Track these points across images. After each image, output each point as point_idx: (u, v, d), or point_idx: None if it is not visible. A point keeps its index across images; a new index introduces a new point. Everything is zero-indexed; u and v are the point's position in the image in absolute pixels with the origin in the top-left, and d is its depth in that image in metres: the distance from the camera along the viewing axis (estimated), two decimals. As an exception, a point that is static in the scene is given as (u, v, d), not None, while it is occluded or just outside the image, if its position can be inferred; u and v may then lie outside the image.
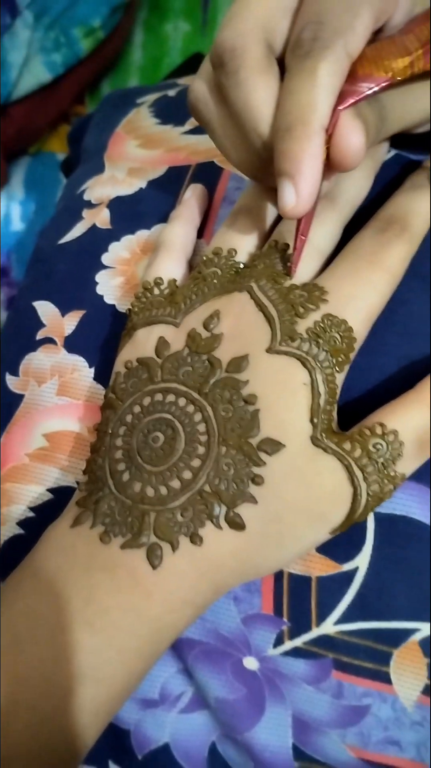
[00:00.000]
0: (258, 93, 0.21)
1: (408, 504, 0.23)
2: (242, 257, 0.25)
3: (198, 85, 0.23)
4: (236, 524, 0.21)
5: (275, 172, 0.21)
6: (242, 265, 0.25)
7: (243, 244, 0.26)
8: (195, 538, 0.21)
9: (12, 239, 0.65)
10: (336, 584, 0.24)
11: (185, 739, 0.26)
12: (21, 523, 0.27)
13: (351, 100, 0.20)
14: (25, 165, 0.69)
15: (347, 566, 0.24)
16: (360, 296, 0.23)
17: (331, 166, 0.21)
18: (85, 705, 0.20)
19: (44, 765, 0.20)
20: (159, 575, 0.21)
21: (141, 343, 0.25)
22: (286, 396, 0.22)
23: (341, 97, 0.20)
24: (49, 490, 0.27)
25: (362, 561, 0.24)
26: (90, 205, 0.33)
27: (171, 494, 0.22)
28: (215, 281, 0.25)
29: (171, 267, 0.27)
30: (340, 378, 0.23)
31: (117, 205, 0.32)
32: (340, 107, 0.20)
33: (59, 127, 0.71)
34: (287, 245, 0.24)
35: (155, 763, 0.26)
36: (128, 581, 0.21)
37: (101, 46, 0.70)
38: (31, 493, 0.28)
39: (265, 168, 0.23)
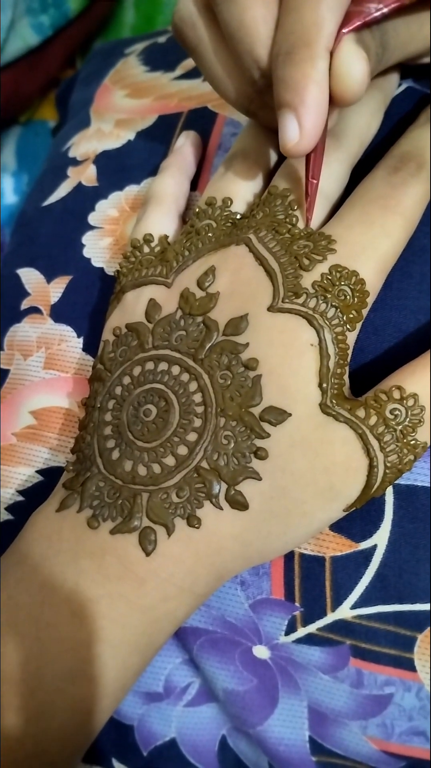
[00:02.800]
0: (255, 10, 0.18)
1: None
2: (238, 207, 0.23)
3: (185, 4, 0.20)
4: (238, 503, 0.19)
5: (274, 105, 0.18)
6: (239, 216, 0.23)
7: (240, 192, 0.23)
8: (192, 520, 0.19)
9: (5, 213, 0.62)
10: (353, 564, 0.22)
11: (193, 734, 0.24)
12: (10, 508, 0.25)
13: (358, 22, 0.18)
14: (16, 135, 0.66)
15: (364, 544, 0.21)
16: (371, 245, 0.20)
17: (329, 99, 0.18)
18: (75, 705, 0.18)
19: None
20: (153, 562, 0.19)
21: (130, 307, 0.23)
22: (291, 359, 0.20)
23: (345, 19, 0.18)
24: (39, 472, 0.25)
25: (380, 538, 0.21)
26: (75, 162, 0.30)
27: (165, 472, 0.19)
28: (209, 235, 0.22)
29: (162, 222, 0.24)
30: (351, 337, 0.20)
31: (104, 160, 0.29)
32: (344, 29, 0.18)
33: (50, 94, 0.68)
34: (289, 190, 0.22)
35: (162, 759, 0.24)
36: (117, 569, 0.19)
37: (91, 5, 0.66)
38: (19, 475, 0.26)
39: (262, 100, 0.20)
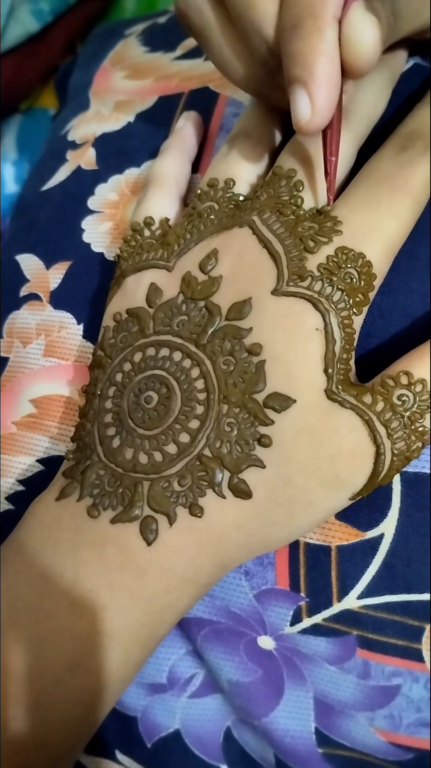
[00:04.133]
0: None
1: (439, 462, 0.20)
2: (241, 188, 0.22)
3: None
4: (242, 492, 0.18)
5: (285, 81, 0.18)
6: (242, 197, 0.22)
7: (243, 173, 0.22)
8: (195, 509, 0.19)
9: (6, 202, 0.62)
10: (359, 554, 0.21)
11: (198, 725, 0.24)
12: (10, 498, 0.25)
13: None
14: (16, 123, 0.65)
15: (371, 533, 0.21)
16: (379, 226, 0.20)
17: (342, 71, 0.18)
18: (75, 696, 0.18)
19: (34, 762, 0.18)
20: (154, 551, 0.19)
21: (131, 292, 0.22)
22: (296, 344, 0.19)
23: None
24: (39, 461, 0.25)
25: (387, 527, 0.21)
26: (74, 145, 0.30)
27: (167, 460, 0.19)
28: (211, 217, 0.22)
29: (162, 204, 0.24)
30: (358, 321, 0.20)
31: (103, 142, 0.29)
32: None
33: (50, 81, 0.67)
34: (294, 170, 0.21)
35: (166, 750, 0.24)
36: (118, 558, 0.19)
37: (92, -10, 0.66)
38: (20, 464, 0.25)
39: (274, 82, 0.20)
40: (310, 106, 0.17)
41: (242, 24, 0.19)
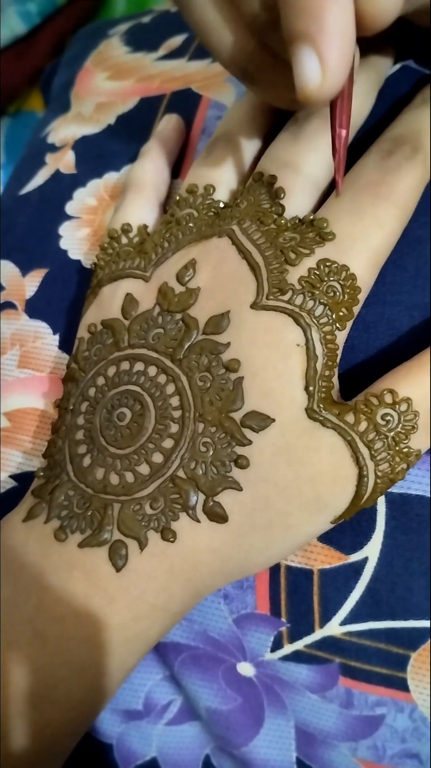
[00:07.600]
0: None
1: (424, 482, 0.20)
2: (221, 195, 0.21)
3: None
4: (217, 515, 0.18)
5: (285, 40, 0.14)
6: (222, 204, 0.21)
7: (223, 179, 0.21)
8: (167, 534, 0.18)
9: (-7, 204, 0.61)
10: (342, 578, 0.20)
11: (175, 753, 0.23)
12: (-18, 515, 0.24)
13: None
14: (4, 126, 0.65)
15: (354, 557, 0.20)
16: (363, 236, 0.19)
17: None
18: (37, 730, 0.17)
19: None
20: (123, 578, 0.18)
21: (107, 303, 0.21)
22: (275, 360, 0.18)
23: None
24: (12, 477, 0.24)
25: (372, 550, 0.20)
26: (54, 148, 0.29)
27: (138, 482, 0.18)
28: (190, 225, 0.21)
29: (141, 211, 0.23)
30: (341, 336, 0.19)
31: (83, 145, 0.28)
32: None
33: (38, 84, 0.66)
34: (275, 177, 0.20)
35: (142, 779, 0.23)
36: (84, 585, 0.18)
37: (80, -8, 0.65)
38: (-8, 480, 0.24)
39: (263, 56, 0.17)
40: (320, 68, 0.14)
41: None
